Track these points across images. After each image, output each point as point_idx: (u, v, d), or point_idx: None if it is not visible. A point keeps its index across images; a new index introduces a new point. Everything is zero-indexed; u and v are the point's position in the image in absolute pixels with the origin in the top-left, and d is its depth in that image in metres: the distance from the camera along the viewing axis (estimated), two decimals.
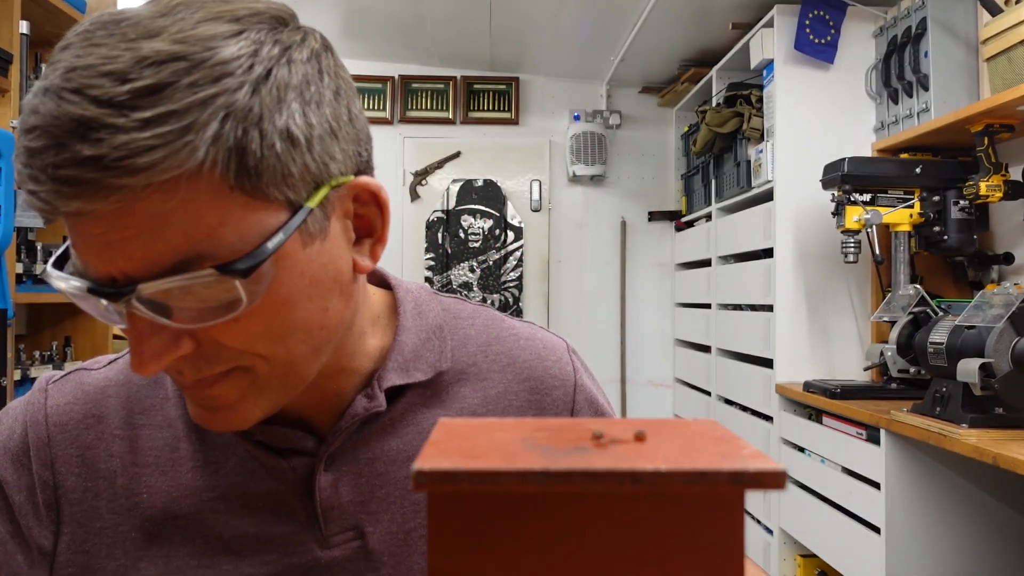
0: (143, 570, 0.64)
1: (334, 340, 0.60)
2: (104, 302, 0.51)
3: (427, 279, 4.26)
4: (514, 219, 4.32)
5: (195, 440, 0.65)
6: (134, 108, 0.45)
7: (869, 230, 2.48)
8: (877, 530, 2.15)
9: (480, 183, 4.29)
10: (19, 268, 2.30)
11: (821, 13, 2.80)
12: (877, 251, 2.50)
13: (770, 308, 2.92)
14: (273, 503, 0.64)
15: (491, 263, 4.28)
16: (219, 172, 0.48)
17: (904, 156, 2.61)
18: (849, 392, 2.38)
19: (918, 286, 2.35)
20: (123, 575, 0.64)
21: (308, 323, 0.56)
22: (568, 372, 0.75)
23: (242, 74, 0.48)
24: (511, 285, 4.30)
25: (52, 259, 0.54)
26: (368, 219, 0.59)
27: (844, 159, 2.47)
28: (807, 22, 2.80)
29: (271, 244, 0.50)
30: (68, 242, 0.53)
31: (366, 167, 0.59)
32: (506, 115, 4.37)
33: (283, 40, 0.52)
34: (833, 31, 2.81)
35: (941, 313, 2.20)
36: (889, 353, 2.31)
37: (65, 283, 0.51)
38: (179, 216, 0.48)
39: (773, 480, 0.40)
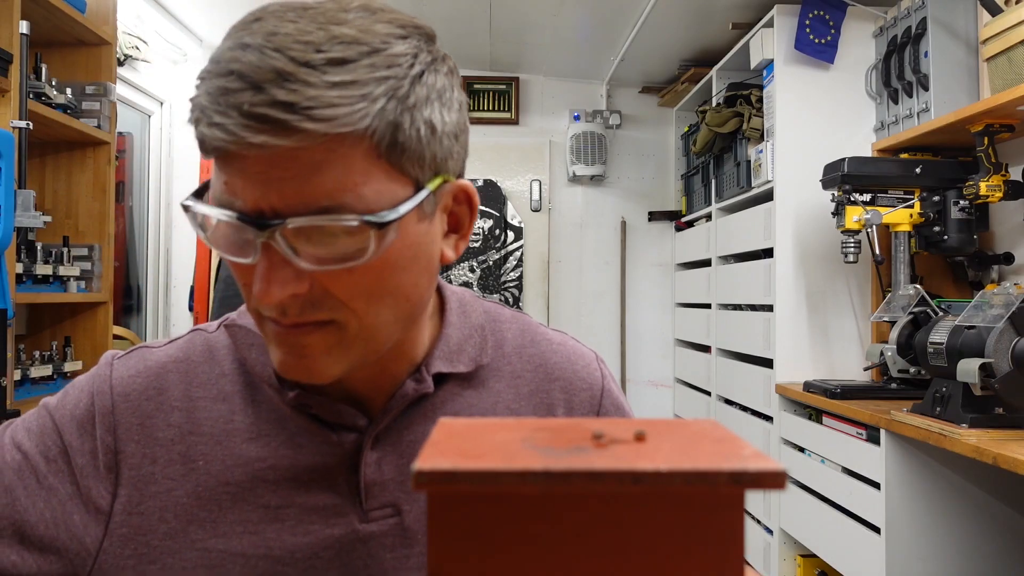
0: (192, 533, 0.68)
1: (412, 317, 0.67)
2: (250, 233, 0.58)
3: None
4: (514, 219, 4.32)
5: (249, 413, 0.71)
6: (325, 72, 0.55)
7: (869, 230, 2.49)
8: (877, 530, 2.15)
9: (480, 183, 4.29)
10: (19, 268, 2.30)
11: (821, 13, 2.80)
12: (877, 251, 2.51)
13: (770, 308, 2.92)
14: (320, 476, 0.69)
15: (491, 263, 4.28)
16: (375, 140, 0.57)
17: (904, 156, 2.61)
18: (849, 392, 2.38)
19: (918, 286, 2.35)
20: (173, 537, 0.68)
21: (401, 291, 0.64)
22: (596, 378, 0.82)
23: (407, 68, 0.59)
24: (511, 285, 4.30)
25: (189, 195, 0.61)
26: (459, 217, 0.68)
27: (844, 159, 2.48)
28: (807, 22, 2.80)
29: (402, 209, 0.59)
30: (207, 186, 0.62)
31: (463, 173, 0.69)
32: (506, 115, 4.37)
33: (433, 52, 0.63)
34: (833, 31, 2.82)
35: (941, 313, 2.20)
36: (889, 353, 2.31)
37: (213, 212, 0.59)
38: (335, 168, 0.57)
39: (773, 480, 0.40)
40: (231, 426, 0.70)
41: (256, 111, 0.54)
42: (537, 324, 0.84)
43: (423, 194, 0.61)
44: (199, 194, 0.62)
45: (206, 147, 0.57)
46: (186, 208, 0.61)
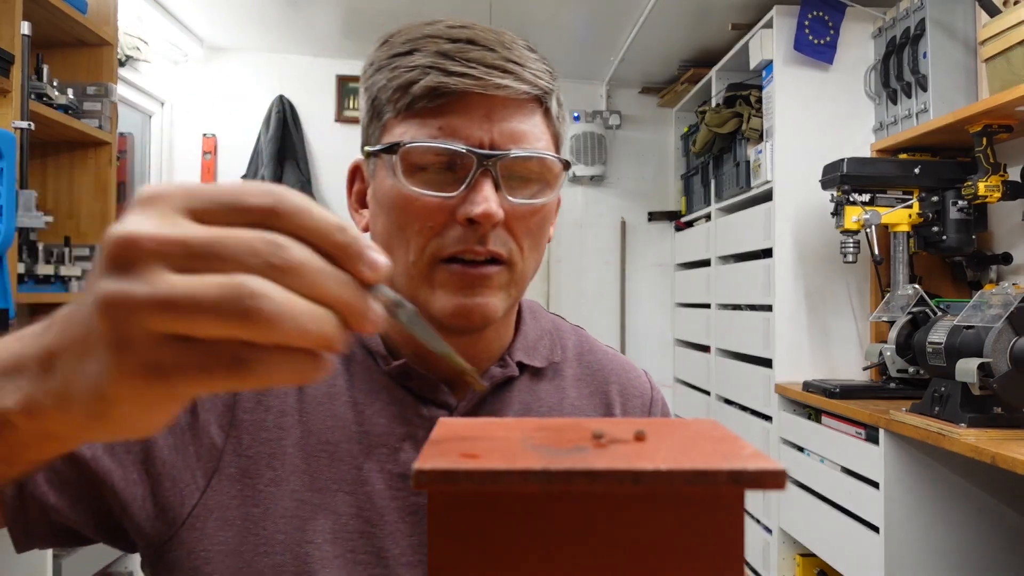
0: (292, 483, 0.72)
1: (528, 279, 0.78)
2: (472, 163, 0.70)
3: None
4: None
5: (348, 380, 0.77)
6: (526, 51, 0.74)
7: (868, 230, 2.49)
8: (876, 529, 2.16)
9: None
10: (21, 268, 2.31)
11: (820, 14, 2.81)
12: (876, 251, 2.51)
13: (769, 308, 2.92)
14: (409, 445, 0.75)
15: None
16: (550, 110, 0.77)
17: (903, 156, 2.62)
18: (848, 392, 2.39)
19: (917, 286, 2.36)
20: (275, 484, 0.72)
21: (543, 247, 0.78)
22: (647, 387, 0.91)
23: (553, 68, 0.78)
24: None
25: (394, 143, 0.72)
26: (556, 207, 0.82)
27: (843, 159, 2.48)
28: (806, 23, 2.80)
29: (570, 164, 0.77)
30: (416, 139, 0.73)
31: None
32: None
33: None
34: (832, 32, 2.82)
35: (940, 313, 2.20)
36: (888, 353, 2.32)
37: (444, 144, 0.70)
38: (532, 121, 0.74)
39: (773, 480, 0.40)
40: (332, 390, 0.76)
41: (497, 63, 0.71)
42: (593, 338, 0.93)
43: (565, 168, 0.77)
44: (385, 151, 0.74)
45: (437, 94, 0.70)
46: (395, 149, 0.71)
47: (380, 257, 0.39)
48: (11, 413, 0.40)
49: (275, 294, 0.35)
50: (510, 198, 0.71)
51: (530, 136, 0.73)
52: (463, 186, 0.70)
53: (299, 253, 0.36)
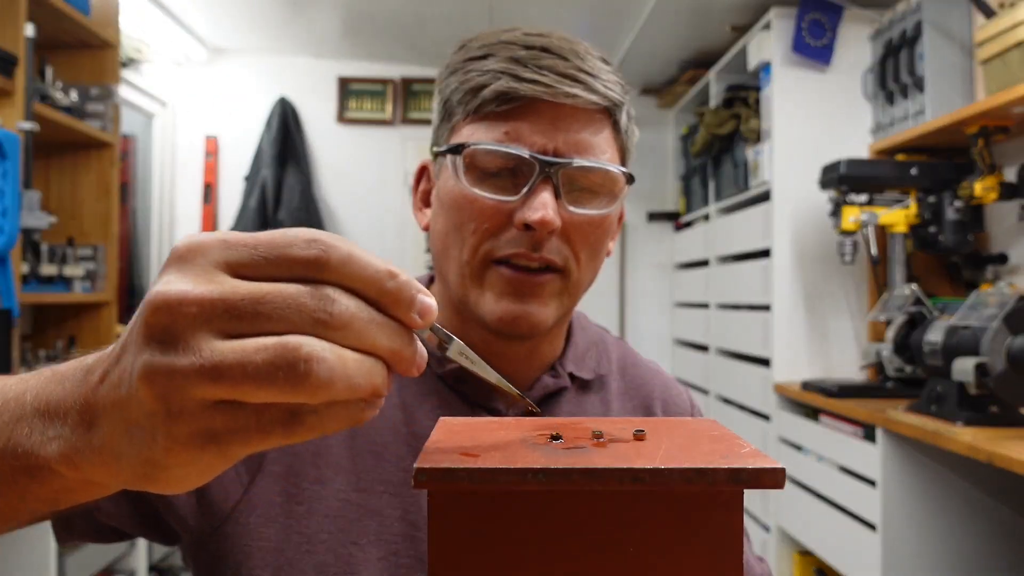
0: (338, 483, 0.72)
1: (582, 292, 0.78)
2: (534, 169, 0.70)
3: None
4: None
5: (398, 382, 0.76)
6: (598, 62, 0.74)
7: (866, 230, 2.50)
8: (873, 527, 2.17)
9: None
10: (24, 268, 2.32)
11: (818, 16, 2.82)
12: (874, 251, 2.52)
13: (768, 308, 2.93)
14: None
15: None
16: (620, 121, 0.76)
17: (900, 157, 2.63)
18: (846, 391, 2.40)
19: (914, 286, 2.37)
20: (321, 483, 0.72)
21: (600, 258, 0.78)
22: (687, 406, 0.91)
23: (625, 82, 0.78)
24: None
25: (459, 144, 0.73)
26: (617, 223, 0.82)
27: (841, 160, 2.49)
28: (804, 25, 2.81)
29: (632, 178, 0.76)
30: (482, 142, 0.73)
31: None
32: None
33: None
34: (830, 34, 2.83)
35: (937, 313, 2.21)
36: (885, 352, 2.33)
37: (511, 148, 0.71)
38: (599, 133, 0.73)
39: (771, 478, 0.41)
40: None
41: (569, 72, 0.71)
42: (635, 351, 0.93)
43: (630, 181, 0.77)
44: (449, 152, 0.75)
45: (506, 99, 0.71)
46: (460, 149, 0.72)
47: (429, 301, 0.38)
48: (53, 462, 0.39)
49: (327, 355, 0.34)
50: (570, 207, 0.72)
51: (596, 148, 0.73)
52: (523, 191, 0.71)
53: (348, 306, 0.35)
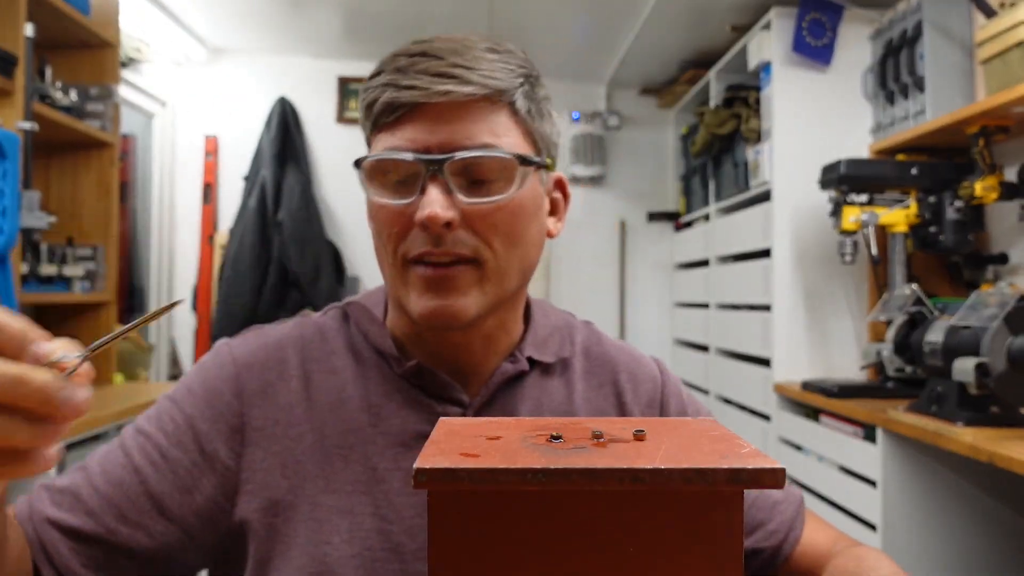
0: (307, 489, 0.76)
1: (525, 276, 0.81)
2: (421, 168, 0.73)
3: None
4: None
5: (359, 386, 0.80)
6: (483, 53, 0.75)
7: (866, 231, 2.50)
8: (873, 528, 2.17)
9: None
10: (24, 268, 2.32)
11: (818, 16, 2.82)
12: (874, 251, 2.52)
13: (768, 308, 2.93)
14: (423, 442, 0.76)
15: None
16: (516, 106, 0.76)
17: (900, 157, 2.62)
18: (846, 391, 2.40)
19: (914, 286, 2.37)
20: (292, 492, 0.76)
21: (525, 241, 0.78)
22: (655, 373, 0.91)
23: (531, 67, 0.79)
24: None
25: (358, 159, 0.77)
26: (557, 203, 0.86)
27: (841, 160, 2.49)
28: (804, 24, 2.81)
29: (534, 160, 0.77)
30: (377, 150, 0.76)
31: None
32: None
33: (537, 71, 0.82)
34: (830, 33, 2.83)
35: (937, 313, 2.21)
36: (886, 352, 2.33)
37: (395, 153, 0.74)
38: (489, 120, 0.74)
39: (772, 478, 0.41)
40: (343, 395, 0.79)
41: (441, 70, 0.73)
42: (601, 332, 0.94)
43: (544, 161, 0.79)
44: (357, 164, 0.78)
45: (392, 109, 0.74)
46: (359, 163, 0.76)
47: (51, 346, 0.43)
48: None
49: None
50: (465, 198, 0.73)
51: (485, 134, 0.74)
52: (417, 192, 0.73)
53: None
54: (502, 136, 0.75)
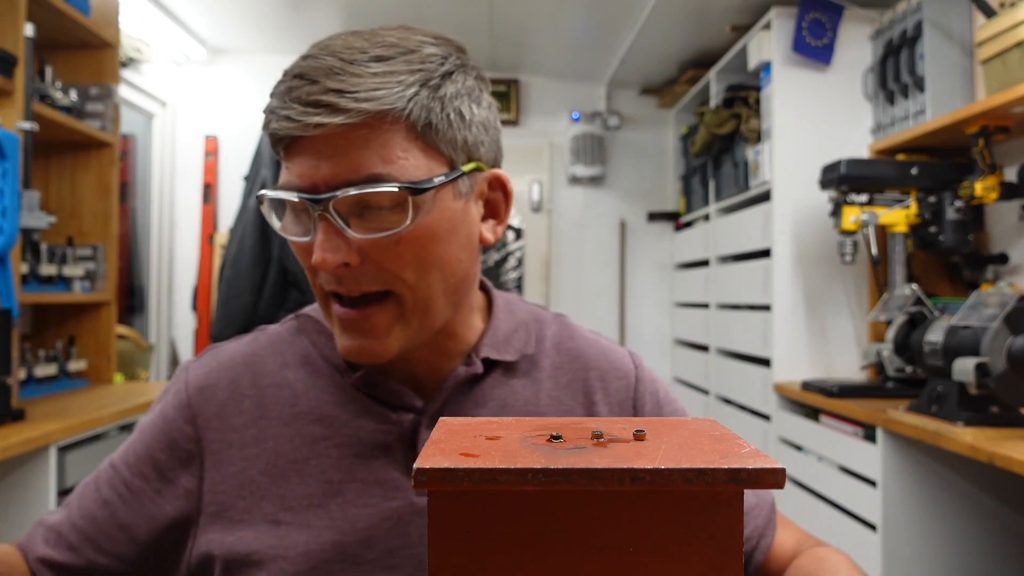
0: (264, 507, 0.75)
1: (459, 293, 0.75)
2: (308, 208, 0.68)
3: None
4: (514, 220, 4.33)
5: (312, 397, 0.78)
6: (368, 66, 0.67)
7: (866, 230, 2.50)
8: (874, 528, 2.17)
9: None
10: (24, 268, 2.32)
11: (818, 16, 2.82)
12: (874, 251, 2.52)
13: (768, 308, 2.93)
14: (379, 452, 0.76)
15: (491, 263, 4.30)
16: (411, 120, 0.67)
17: (900, 157, 2.63)
18: (846, 391, 2.40)
19: (914, 286, 2.37)
20: (249, 511, 0.75)
21: (445, 264, 0.72)
22: (629, 368, 0.86)
23: (437, 65, 0.70)
24: (511, 285, 4.31)
25: (263, 193, 0.71)
26: (495, 204, 0.78)
27: (841, 160, 2.49)
28: (804, 24, 2.81)
29: (436, 180, 0.68)
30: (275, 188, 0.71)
31: (498, 164, 0.78)
32: (506, 116, 4.38)
33: (463, 59, 0.74)
34: (830, 33, 2.83)
35: (937, 313, 2.21)
36: (886, 352, 2.33)
37: (275, 192, 0.69)
38: (378, 145, 0.66)
39: (772, 478, 0.41)
40: (296, 409, 0.78)
41: (312, 98, 0.65)
42: (575, 325, 0.89)
43: (456, 173, 0.71)
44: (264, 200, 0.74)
45: (276, 140, 0.69)
46: (260, 200, 0.72)
47: None
48: None
49: None
50: (357, 235, 0.67)
51: (374, 163, 0.66)
52: (312, 229, 0.69)
53: None
54: (396, 160, 0.67)
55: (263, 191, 0.72)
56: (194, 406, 0.79)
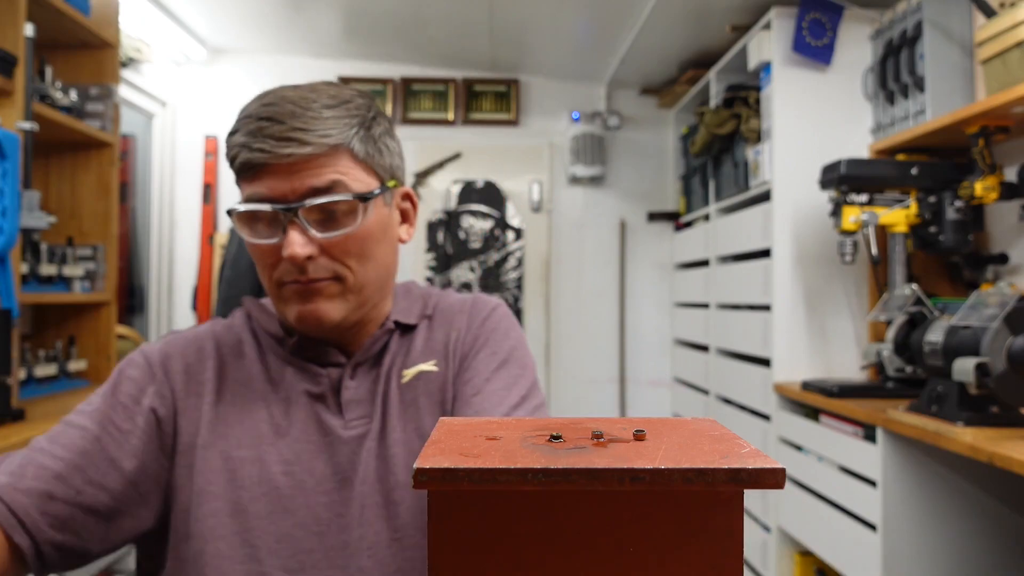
0: (218, 445, 0.93)
1: (385, 280, 0.99)
2: (280, 215, 0.89)
3: (428, 279, 4.27)
4: (514, 220, 4.33)
5: (262, 364, 0.99)
6: (321, 112, 0.90)
7: (866, 230, 2.50)
8: (874, 528, 2.17)
9: (480, 184, 4.30)
10: (24, 268, 2.32)
11: (818, 15, 2.82)
12: (874, 251, 2.52)
13: (768, 308, 2.93)
14: (315, 399, 0.97)
15: (491, 263, 4.30)
16: (354, 150, 0.92)
17: (900, 157, 2.62)
18: (846, 391, 2.40)
19: (914, 286, 2.37)
20: (205, 448, 0.93)
21: (378, 257, 0.96)
22: (467, 304, 1.08)
23: (366, 112, 0.95)
24: (511, 285, 4.31)
25: (229, 208, 0.92)
26: (407, 212, 1.04)
27: (841, 160, 2.49)
28: (804, 24, 2.81)
29: (376, 192, 0.94)
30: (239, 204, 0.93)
31: (404, 182, 1.03)
32: (506, 116, 4.38)
33: (377, 107, 0.98)
34: (830, 33, 2.83)
35: (937, 313, 2.21)
36: (886, 352, 2.33)
37: (256, 205, 0.89)
38: (332, 167, 0.90)
39: (772, 478, 0.41)
40: (250, 373, 0.98)
41: (284, 135, 0.88)
42: (452, 295, 1.11)
43: (386, 187, 0.96)
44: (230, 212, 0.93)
45: (249, 166, 0.89)
46: (231, 212, 0.92)
47: None
48: None
49: None
50: (319, 234, 0.90)
51: (331, 180, 0.90)
52: (280, 232, 0.90)
53: None
54: (347, 177, 0.91)
55: (234, 205, 0.92)
56: (167, 364, 0.97)
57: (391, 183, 0.97)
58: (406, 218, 1.04)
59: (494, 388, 0.98)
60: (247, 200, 0.91)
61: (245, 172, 0.90)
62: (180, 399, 0.95)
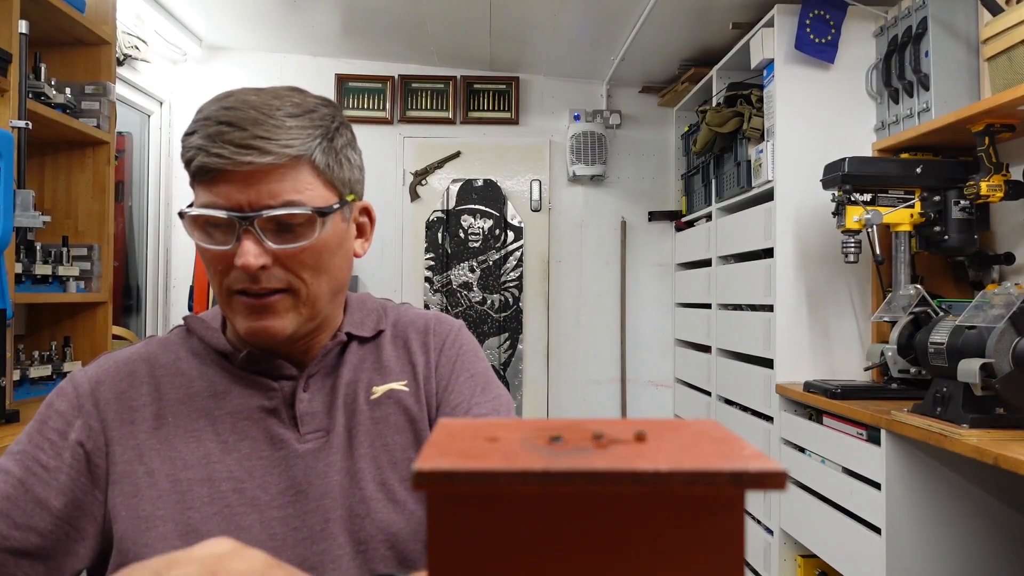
0: (166, 470, 0.90)
1: (338, 293, 0.97)
2: (235, 223, 0.86)
3: (427, 279, 4.26)
4: (514, 219, 4.31)
5: (206, 380, 0.95)
6: (284, 121, 0.87)
7: (869, 230, 2.48)
8: (878, 530, 2.15)
9: (480, 183, 4.29)
10: (18, 268, 2.30)
11: (821, 13, 2.80)
12: (878, 251, 2.50)
13: (770, 308, 2.92)
14: (267, 414, 0.94)
15: (491, 263, 4.28)
16: (315, 162, 0.89)
17: (905, 156, 2.61)
18: (849, 392, 2.38)
19: (919, 286, 2.35)
20: (151, 475, 0.90)
21: (332, 271, 0.93)
22: (429, 322, 1.08)
23: (330, 121, 0.92)
24: (511, 285, 4.30)
25: (182, 209, 0.89)
26: (363, 226, 1.02)
27: (844, 159, 2.47)
28: (807, 22, 2.80)
29: (334, 207, 0.91)
30: (193, 204, 0.89)
31: (363, 196, 1.01)
32: (506, 115, 4.37)
33: (340, 117, 0.96)
34: (833, 31, 2.81)
35: (942, 313, 2.20)
36: (890, 353, 2.31)
37: (212, 212, 0.86)
38: (291, 179, 0.87)
39: (774, 480, 0.40)
40: (192, 390, 0.95)
41: (244, 142, 0.84)
42: (412, 309, 1.11)
43: (344, 202, 0.93)
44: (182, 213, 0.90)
45: (205, 171, 0.85)
46: (183, 215, 0.88)
47: None
48: None
49: None
50: (273, 245, 0.87)
51: (289, 191, 0.87)
52: (234, 240, 0.87)
53: None
54: (304, 191, 0.88)
55: (186, 209, 0.89)
56: (97, 393, 0.93)
57: (350, 197, 0.95)
58: (362, 232, 1.02)
59: (482, 412, 1.00)
60: (202, 205, 0.87)
61: (201, 176, 0.87)
62: (112, 428, 0.91)
